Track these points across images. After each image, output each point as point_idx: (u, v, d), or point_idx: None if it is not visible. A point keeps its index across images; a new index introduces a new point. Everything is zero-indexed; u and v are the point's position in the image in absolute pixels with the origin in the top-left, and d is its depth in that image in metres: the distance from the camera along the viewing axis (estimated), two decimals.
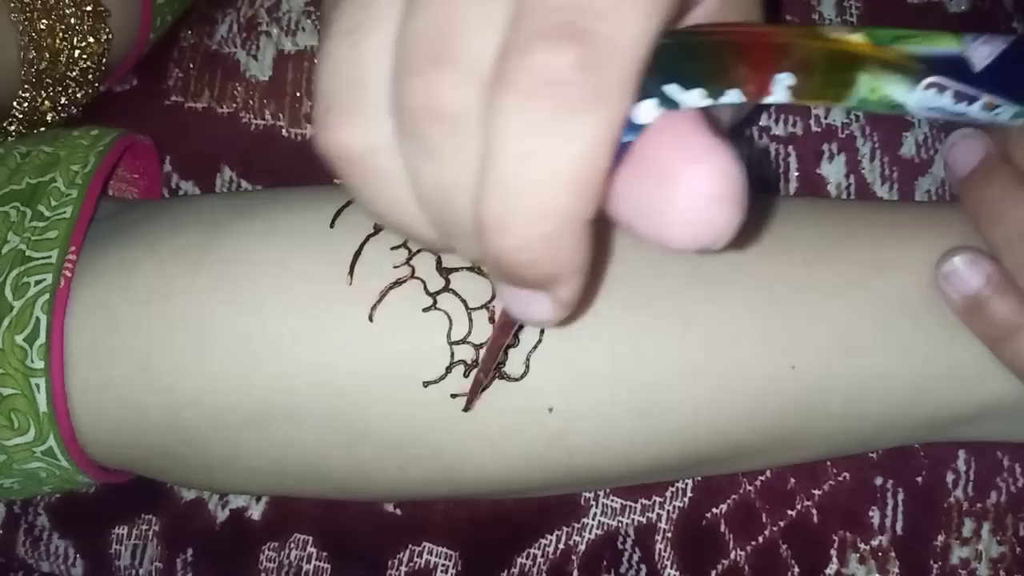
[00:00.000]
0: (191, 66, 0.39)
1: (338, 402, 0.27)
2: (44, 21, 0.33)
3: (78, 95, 0.36)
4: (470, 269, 0.27)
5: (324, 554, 0.35)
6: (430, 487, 0.29)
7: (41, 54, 0.33)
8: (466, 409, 0.27)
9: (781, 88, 0.18)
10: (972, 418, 0.29)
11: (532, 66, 0.16)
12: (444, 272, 0.27)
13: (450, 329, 0.27)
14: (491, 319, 0.27)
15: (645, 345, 0.27)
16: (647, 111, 0.17)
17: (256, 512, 0.36)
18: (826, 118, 0.37)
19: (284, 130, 0.38)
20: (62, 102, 0.36)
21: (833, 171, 0.37)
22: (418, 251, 0.27)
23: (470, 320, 0.27)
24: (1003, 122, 0.20)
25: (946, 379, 0.28)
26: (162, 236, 0.29)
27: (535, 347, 0.27)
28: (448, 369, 0.27)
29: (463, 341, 0.27)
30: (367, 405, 0.27)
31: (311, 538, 0.36)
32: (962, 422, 0.30)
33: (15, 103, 0.34)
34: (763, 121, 0.37)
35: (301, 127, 0.38)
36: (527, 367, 0.27)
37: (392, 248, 0.27)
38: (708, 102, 0.18)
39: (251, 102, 0.38)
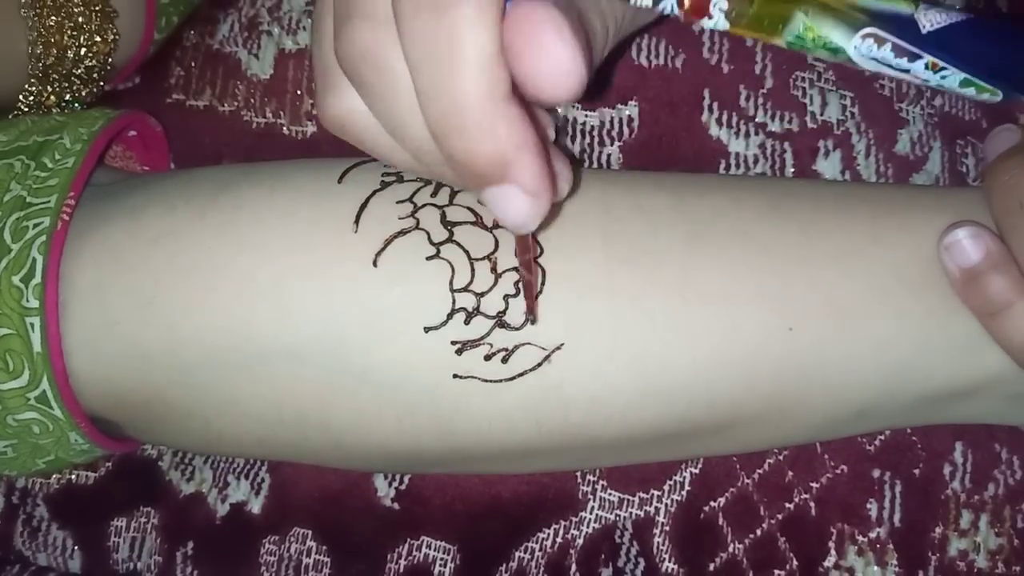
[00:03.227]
0: (193, 65, 0.39)
1: (339, 345, 0.27)
2: (53, 18, 0.34)
3: (83, 92, 0.36)
4: (473, 223, 0.28)
5: (324, 548, 0.35)
6: (427, 444, 0.29)
7: (48, 50, 0.34)
8: (533, 321, 0.27)
9: (718, 11, 0.20)
10: (967, 393, 0.29)
11: None
12: (448, 225, 0.28)
13: (452, 277, 0.27)
14: (492, 269, 0.27)
15: (644, 300, 0.27)
16: None
17: (256, 506, 0.35)
18: (822, 115, 0.37)
19: (285, 128, 0.38)
20: (66, 98, 0.36)
21: (828, 167, 0.37)
22: (423, 205, 0.28)
23: (472, 269, 0.27)
24: (952, 88, 0.21)
25: (942, 350, 0.28)
26: (172, 189, 0.29)
27: (536, 296, 0.27)
28: (449, 316, 0.27)
29: (465, 289, 0.27)
30: (367, 348, 0.27)
31: (310, 532, 0.35)
32: (957, 398, 0.30)
33: (21, 96, 0.35)
34: (759, 117, 0.37)
35: (302, 125, 0.38)
36: (526, 316, 0.27)
37: (398, 202, 0.28)
38: (648, 2, 0.21)
39: (252, 100, 0.38)
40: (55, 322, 0.27)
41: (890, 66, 0.21)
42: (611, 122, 0.37)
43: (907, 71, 0.21)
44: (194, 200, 0.29)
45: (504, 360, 0.27)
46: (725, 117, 0.37)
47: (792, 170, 0.37)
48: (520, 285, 0.27)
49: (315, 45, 0.24)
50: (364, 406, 0.28)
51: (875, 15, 0.20)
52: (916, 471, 0.34)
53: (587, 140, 0.37)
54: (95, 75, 0.36)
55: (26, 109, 0.35)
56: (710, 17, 0.21)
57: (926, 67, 0.21)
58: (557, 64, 0.20)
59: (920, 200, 0.30)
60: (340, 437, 0.29)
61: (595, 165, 0.37)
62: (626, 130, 0.37)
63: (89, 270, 0.28)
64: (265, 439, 0.30)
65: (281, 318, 0.27)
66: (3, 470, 0.32)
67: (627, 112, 0.37)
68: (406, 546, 0.35)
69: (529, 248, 0.26)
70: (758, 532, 0.34)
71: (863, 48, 0.21)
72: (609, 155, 0.37)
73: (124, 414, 0.30)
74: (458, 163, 0.21)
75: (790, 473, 0.34)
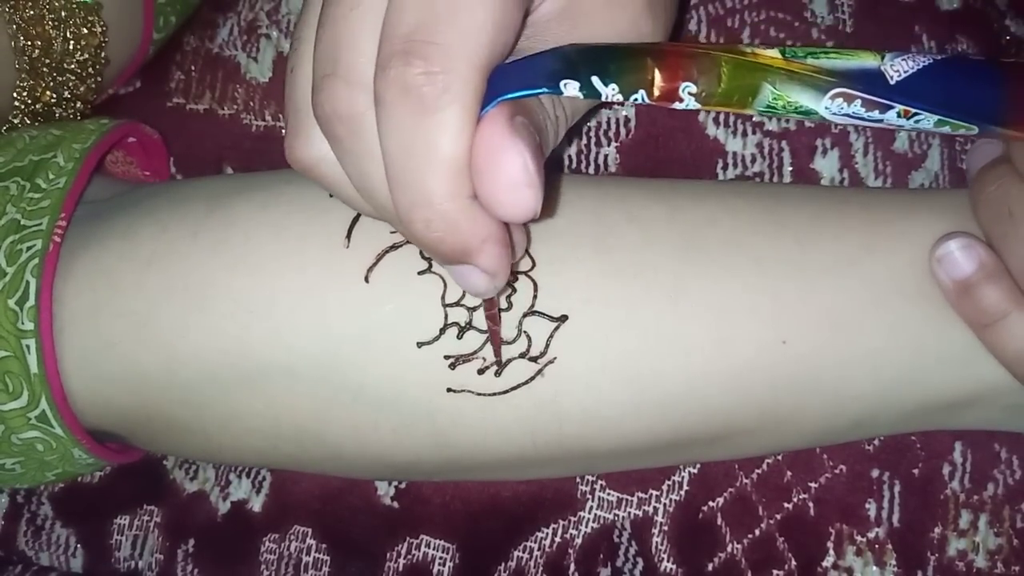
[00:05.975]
0: (193, 68, 0.38)
1: (333, 361, 0.27)
2: (30, 10, 0.32)
3: (80, 89, 0.35)
4: None
5: (323, 546, 0.34)
6: (424, 456, 0.28)
7: (32, 41, 0.32)
8: (498, 374, 0.27)
9: (687, 95, 0.21)
10: (965, 404, 0.28)
11: (390, 79, 0.20)
12: None
13: (444, 292, 0.26)
14: None
15: (636, 313, 0.27)
16: (572, 90, 0.21)
17: (256, 504, 0.35)
18: None
19: (284, 131, 0.38)
20: (65, 95, 0.34)
21: (827, 166, 0.35)
22: None
23: None
24: (927, 129, 0.21)
25: (939, 361, 0.27)
26: (164, 207, 0.29)
27: (528, 311, 0.26)
28: (441, 331, 0.26)
29: (457, 304, 0.26)
30: (362, 365, 0.27)
31: (310, 530, 0.34)
32: (955, 408, 0.28)
33: (15, 94, 0.33)
34: (756, 116, 0.36)
35: None
36: (519, 330, 0.26)
37: None
38: (620, 98, 0.21)
39: (252, 104, 0.37)
40: (50, 343, 0.27)
41: (863, 119, 0.21)
42: (608, 122, 0.36)
43: (880, 121, 0.21)
44: (187, 218, 0.28)
45: (497, 374, 0.26)
46: (722, 116, 0.36)
47: (790, 168, 0.36)
48: (489, 334, 0.27)
49: (290, 84, 0.23)
50: (360, 420, 0.27)
51: (841, 74, 0.20)
52: (915, 471, 0.32)
53: (584, 141, 0.36)
54: (90, 69, 0.34)
55: (23, 107, 0.34)
56: (680, 101, 0.21)
57: (898, 115, 0.21)
58: (516, 195, 0.20)
59: (917, 206, 0.28)
60: (338, 450, 0.28)
61: (592, 166, 0.36)
62: (623, 130, 0.36)
63: (84, 293, 0.27)
64: (265, 452, 0.29)
65: (275, 336, 0.26)
66: (14, 484, 0.31)
67: (624, 112, 0.36)
68: (405, 545, 0.34)
69: (495, 303, 0.26)
70: (756, 532, 0.33)
71: (834, 107, 0.21)
72: (606, 156, 0.36)
73: (126, 429, 0.30)
74: (422, 246, 0.22)
75: (789, 473, 0.33)
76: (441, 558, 0.34)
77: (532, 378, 0.27)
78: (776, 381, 0.27)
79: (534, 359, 0.27)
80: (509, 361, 0.26)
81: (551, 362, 0.27)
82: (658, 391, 0.27)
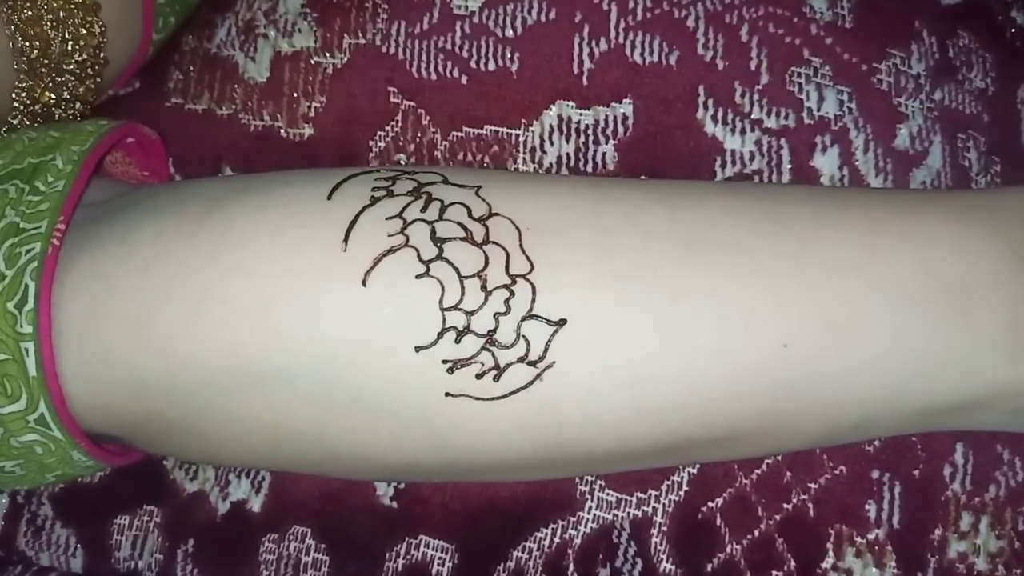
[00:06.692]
0: (191, 69, 0.38)
1: (331, 365, 0.26)
2: (29, 11, 0.32)
3: (79, 89, 0.34)
4: (463, 239, 0.27)
5: (322, 546, 0.34)
6: (423, 459, 0.28)
7: (31, 42, 0.32)
8: (497, 379, 0.26)
9: None
10: (968, 408, 0.27)
11: None
12: (437, 241, 0.26)
13: (442, 296, 0.26)
14: (483, 287, 0.26)
15: (636, 317, 0.26)
16: None
17: (256, 504, 0.35)
18: (819, 110, 0.35)
19: (282, 131, 0.37)
20: (64, 96, 0.34)
21: (826, 163, 0.35)
22: (413, 221, 0.26)
23: (462, 287, 0.26)
24: None
25: (942, 365, 0.26)
26: (163, 209, 0.28)
27: (526, 315, 0.26)
28: (439, 335, 0.26)
29: (455, 308, 0.26)
30: (360, 368, 0.26)
31: (310, 530, 0.34)
32: (959, 411, 0.28)
33: (14, 95, 0.33)
34: (755, 114, 0.35)
35: (299, 127, 0.37)
36: (517, 335, 0.26)
37: (387, 218, 0.27)
38: None
39: (250, 103, 0.37)
40: (48, 347, 0.26)
41: None
42: (606, 120, 0.36)
43: None
44: (184, 221, 0.27)
45: (496, 379, 0.26)
46: (720, 114, 0.35)
47: (789, 166, 0.35)
48: (509, 303, 0.26)
49: None
50: (358, 424, 0.27)
51: None
52: (916, 472, 0.32)
53: (582, 139, 0.36)
54: (89, 70, 0.34)
55: (22, 108, 0.33)
56: None
57: None
58: None
59: (920, 207, 0.28)
60: (336, 453, 0.28)
61: (590, 165, 0.36)
62: (621, 128, 0.36)
63: (82, 296, 0.27)
64: (264, 454, 0.29)
65: (272, 340, 0.26)
66: (14, 486, 0.31)
67: (622, 110, 0.36)
68: (404, 545, 0.34)
69: None
70: (756, 533, 0.32)
71: None
72: (604, 154, 0.35)
73: (125, 432, 0.29)
74: None
75: (788, 474, 0.33)
76: (440, 558, 0.34)
77: (531, 382, 0.26)
78: (776, 386, 0.26)
79: (533, 363, 0.26)
80: (508, 365, 0.26)
81: (550, 366, 0.26)
82: (657, 395, 0.26)
